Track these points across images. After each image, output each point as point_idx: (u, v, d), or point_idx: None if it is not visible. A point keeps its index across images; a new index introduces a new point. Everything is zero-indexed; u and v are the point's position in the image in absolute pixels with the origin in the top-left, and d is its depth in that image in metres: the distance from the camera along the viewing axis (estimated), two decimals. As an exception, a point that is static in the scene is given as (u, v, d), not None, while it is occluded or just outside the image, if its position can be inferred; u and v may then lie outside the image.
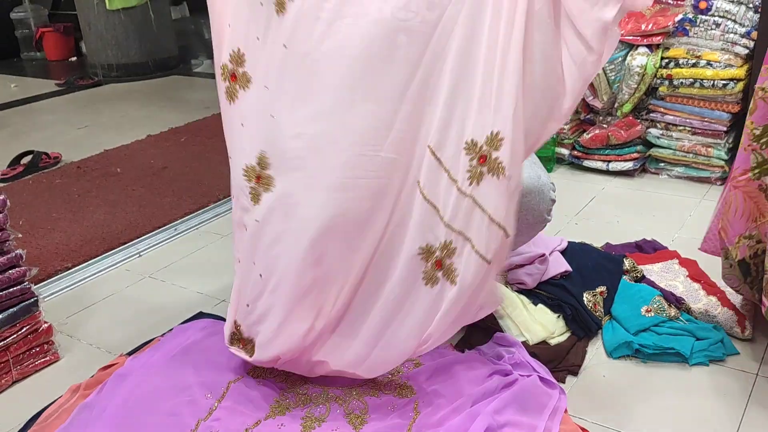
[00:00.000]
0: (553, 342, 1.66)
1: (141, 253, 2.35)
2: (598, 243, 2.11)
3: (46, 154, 3.23)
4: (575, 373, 1.59)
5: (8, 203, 1.66)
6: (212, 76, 4.86)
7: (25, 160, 3.18)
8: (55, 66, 5.65)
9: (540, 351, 1.62)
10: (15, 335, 1.69)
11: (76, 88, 4.80)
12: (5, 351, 1.68)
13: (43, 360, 1.76)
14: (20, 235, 1.71)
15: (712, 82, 2.53)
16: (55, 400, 1.59)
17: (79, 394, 1.59)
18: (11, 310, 1.68)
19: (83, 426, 1.46)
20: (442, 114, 1.29)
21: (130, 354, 1.73)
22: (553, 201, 1.63)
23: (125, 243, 2.37)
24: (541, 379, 1.49)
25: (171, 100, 4.41)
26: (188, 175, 2.97)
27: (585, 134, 2.79)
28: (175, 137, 3.54)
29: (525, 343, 1.64)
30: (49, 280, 2.13)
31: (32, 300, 1.72)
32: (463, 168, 1.29)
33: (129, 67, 4.90)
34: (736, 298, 1.77)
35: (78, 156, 3.28)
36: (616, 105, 2.76)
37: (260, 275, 1.41)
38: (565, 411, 1.44)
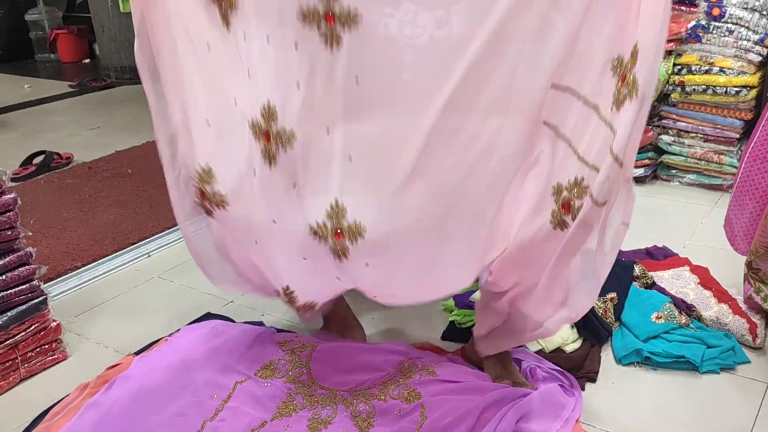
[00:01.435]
0: (567, 349, 1.64)
1: (150, 254, 2.35)
2: (608, 249, 2.09)
3: (58, 154, 3.24)
4: (593, 380, 1.57)
5: (19, 201, 1.66)
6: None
7: (37, 160, 3.20)
8: (68, 67, 5.68)
9: (560, 359, 1.60)
10: (23, 333, 1.69)
11: (89, 89, 4.83)
12: (14, 349, 1.68)
13: (51, 358, 1.76)
14: (30, 234, 1.72)
15: (724, 89, 2.52)
16: (62, 399, 1.59)
17: (86, 393, 1.59)
18: (20, 308, 1.68)
19: (90, 424, 1.46)
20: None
21: (137, 353, 1.73)
22: None
23: (135, 243, 2.38)
24: (561, 386, 1.48)
25: (182, 102, 4.42)
26: (198, 176, 2.98)
27: (596, 140, 2.78)
28: (186, 139, 3.55)
29: (541, 351, 1.63)
30: (58, 279, 2.14)
31: (41, 298, 1.73)
32: (608, 90, 1.11)
33: (141, 69, 4.92)
34: (746, 308, 1.75)
35: (89, 156, 3.30)
36: (627, 111, 2.74)
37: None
38: (577, 419, 1.43)
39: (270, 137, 1.18)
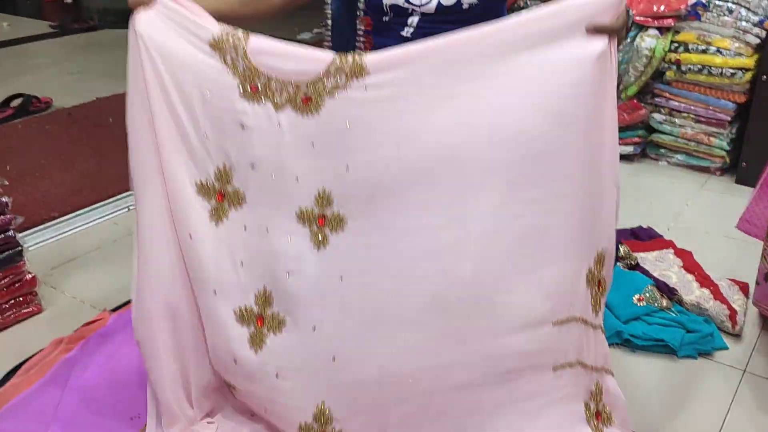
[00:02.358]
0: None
1: (130, 207, 2.31)
2: (594, 227, 2.09)
3: (37, 98, 3.15)
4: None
5: (-5, 149, 1.61)
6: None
7: (15, 103, 3.11)
8: (49, 6, 5.49)
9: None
10: (-2, 284, 1.66)
11: (71, 31, 4.69)
12: (-13, 300, 1.65)
13: (25, 311, 1.73)
14: (6, 183, 1.67)
15: (720, 70, 2.49)
16: (36, 353, 1.56)
17: (61, 348, 1.57)
18: (-6, 258, 1.64)
19: (64, 380, 1.44)
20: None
21: (114, 311, 1.70)
22: None
23: (114, 195, 2.33)
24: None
25: (167, 50, 4.31)
26: (182, 129, 2.91)
27: (587, 115, 2.75)
28: (170, 89, 3.47)
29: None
30: (34, 230, 2.09)
31: (16, 249, 1.69)
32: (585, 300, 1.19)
33: (125, 13, 4.74)
34: (729, 293, 1.76)
35: (69, 102, 3.21)
36: (621, 87, 2.72)
37: None
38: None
39: (264, 321, 1.23)
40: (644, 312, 1.68)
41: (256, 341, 1.22)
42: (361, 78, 1.10)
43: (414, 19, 1.39)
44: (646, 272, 1.83)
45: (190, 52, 1.17)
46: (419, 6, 1.38)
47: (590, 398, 1.24)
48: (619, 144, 2.74)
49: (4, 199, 1.65)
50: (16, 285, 1.70)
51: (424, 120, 1.10)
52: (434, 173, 1.11)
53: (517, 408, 1.20)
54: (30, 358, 1.56)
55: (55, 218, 2.17)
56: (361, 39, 1.49)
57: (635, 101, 2.69)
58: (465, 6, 1.38)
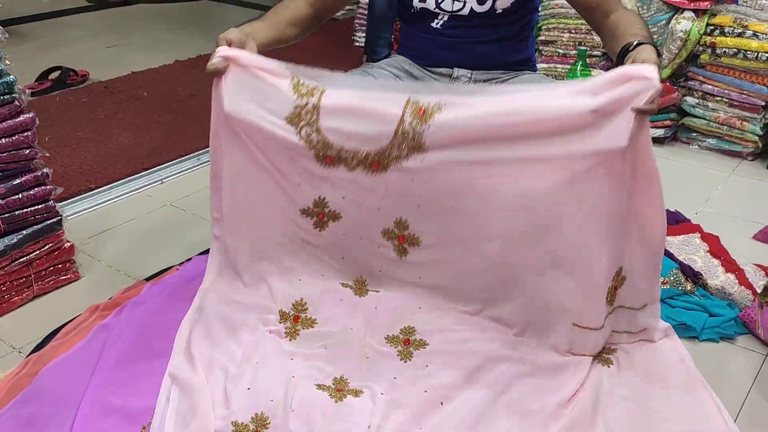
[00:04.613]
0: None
1: (163, 180, 2.37)
2: (620, 210, 2.09)
3: (74, 71, 3.22)
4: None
5: (37, 121, 1.66)
6: (244, 3, 4.79)
7: (53, 75, 3.18)
8: (86, -20, 5.57)
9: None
10: (38, 251, 1.72)
11: (107, 5, 4.75)
12: (27, 266, 1.71)
13: (63, 278, 1.80)
14: (47, 154, 1.73)
15: (756, 54, 2.45)
16: (73, 318, 1.63)
17: (97, 315, 1.63)
18: (35, 227, 1.70)
19: (100, 346, 1.50)
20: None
21: (148, 279, 1.76)
22: None
23: (148, 169, 2.38)
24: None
25: (202, 26, 4.36)
26: (214, 104, 2.96)
27: (618, 97, 2.73)
28: (203, 65, 3.48)
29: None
30: (72, 200, 2.16)
31: (56, 219, 1.75)
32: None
33: (161, -13, 4.83)
34: (755, 278, 1.76)
35: (105, 75, 3.27)
36: (654, 69, 2.69)
37: None
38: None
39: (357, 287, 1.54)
40: (667, 295, 1.69)
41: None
42: (420, 153, 1.31)
43: (444, 16, 1.48)
44: (671, 256, 1.83)
45: (269, 127, 1.37)
46: (450, 12, 1.45)
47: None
48: (650, 126, 2.74)
49: (45, 170, 1.70)
50: (56, 253, 1.76)
51: (470, 183, 1.33)
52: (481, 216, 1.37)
53: None
54: (68, 322, 1.62)
55: (91, 189, 2.23)
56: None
57: (668, 84, 2.67)
58: (498, 11, 1.44)
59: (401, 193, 1.37)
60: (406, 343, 1.44)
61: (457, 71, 1.60)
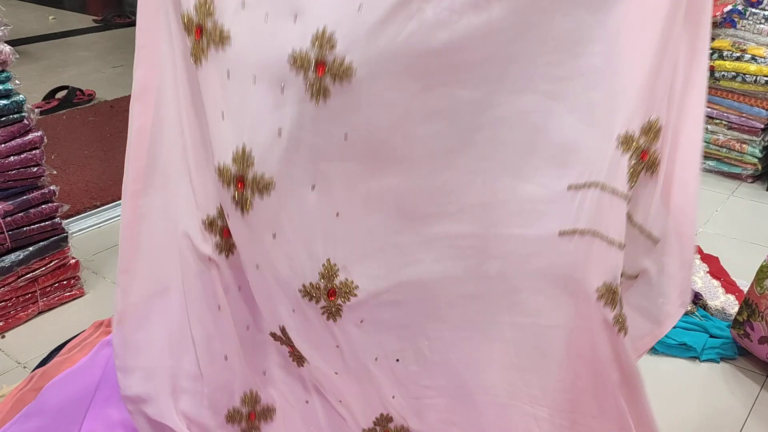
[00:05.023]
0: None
1: (168, 198, 2.39)
2: (621, 230, 2.11)
3: (81, 90, 3.26)
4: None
5: (45, 140, 1.69)
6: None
7: (60, 94, 3.22)
8: (93, 1, 5.64)
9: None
10: (44, 268, 1.74)
11: (113, 25, 4.81)
12: (33, 282, 1.73)
13: (68, 294, 1.81)
14: (55, 172, 1.75)
15: (755, 77, 2.48)
16: (78, 334, 1.64)
17: (101, 330, 1.64)
18: (42, 243, 1.73)
19: (105, 361, 1.51)
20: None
21: (152, 296, 1.77)
22: None
23: (153, 187, 2.40)
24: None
25: (206, 46, 4.40)
26: (219, 124, 2.99)
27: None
28: (207, 85, 3.55)
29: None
30: (77, 217, 2.18)
31: (62, 236, 1.77)
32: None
33: (166, 9, 4.88)
34: (754, 299, 1.77)
35: (111, 95, 3.31)
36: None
37: None
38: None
39: (244, 183, 1.03)
40: (668, 315, 1.70)
41: (241, 202, 1.05)
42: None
43: None
44: (671, 276, 1.84)
45: None
46: None
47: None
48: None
49: (52, 188, 1.73)
50: (61, 269, 1.78)
51: None
52: None
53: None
54: (73, 338, 1.63)
55: (96, 207, 2.26)
56: None
57: (667, 106, 2.70)
58: None
59: None
60: None
61: None
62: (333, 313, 1.11)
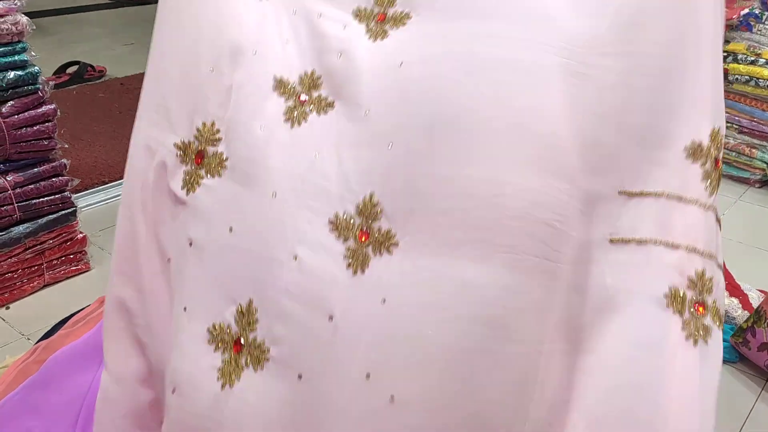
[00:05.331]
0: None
1: (176, 178, 2.39)
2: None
3: (92, 66, 3.26)
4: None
5: (58, 113, 1.69)
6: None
7: (71, 69, 3.21)
8: (106, -23, 5.64)
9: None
10: (51, 241, 1.75)
11: (125, 3, 4.80)
12: (40, 255, 1.74)
13: (74, 268, 1.82)
14: (66, 146, 1.75)
15: (768, 82, 2.48)
16: (83, 308, 1.65)
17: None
18: (50, 216, 1.73)
19: (108, 336, 1.52)
20: None
21: (158, 274, 1.78)
22: None
23: (162, 165, 2.41)
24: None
25: (218, 27, 4.39)
26: (228, 106, 2.99)
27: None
28: (218, 66, 3.55)
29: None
30: (85, 192, 2.18)
31: (71, 210, 1.77)
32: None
33: (179, -12, 4.87)
34: (758, 303, 1.77)
35: (122, 72, 3.31)
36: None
37: None
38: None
39: (309, 100, 0.94)
40: (671, 316, 1.70)
41: (295, 117, 0.93)
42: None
43: None
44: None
45: None
46: None
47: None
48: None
49: (63, 161, 1.73)
50: (68, 243, 1.79)
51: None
52: None
53: None
54: (77, 312, 1.64)
55: (104, 183, 2.26)
56: None
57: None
58: None
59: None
60: None
61: None
62: None
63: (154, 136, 0.99)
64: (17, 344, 1.58)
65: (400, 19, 0.92)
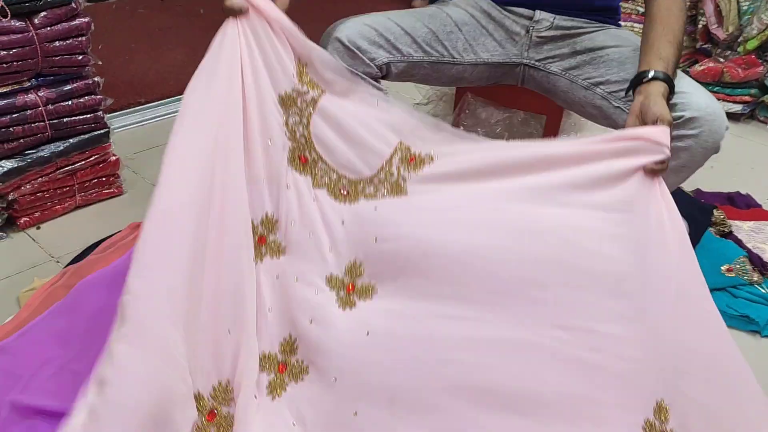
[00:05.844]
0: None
1: (214, 102, 2.30)
2: (688, 187, 1.97)
3: (133, -21, 3.13)
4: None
5: (93, 27, 1.60)
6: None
7: (111, -18, 3.10)
8: None
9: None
10: (83, 162, 1.68)
11: None
12: (72, 176, 1.68)
13: (106, 191, 1.76)
14: (100, 62, 1.67)
15: None
16: (113, 234, 1.60)
17: (137, 233, 1.59)
18: (82, 136, 1.66)
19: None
20: None
21: (191, 203, 1.71)
22: (727, 127, 1.33)
23: (199, 89, 2.31)
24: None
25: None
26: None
27: (697, 65, 2.56)
28: (262, -14, 3.40)
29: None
30: (120, 113, 2.11)
31: (104, 130, 1.70)
32: None
33: None
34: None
35: (163, -13, 3.18)
36: (740, 39, 2.51)
37: None
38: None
39: (287, 367, 1.14)
40: (731, 284, 1.59)
41: (275, 388, 1.13)
42: (401, 196, 1.17)
43: None
44: (739, 242, 1.72)
45: (266, 96, 1.17)
46: None
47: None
48: (728, 101, 2.56)
49: (96, 79, 1.65)
50: (101, 165, 1.72)
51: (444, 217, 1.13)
52: (465, 268, 1.10)
53: None
54: (107, 237, 1.59)
55: (141, 104, 2.18)
56: None
57: (753, 57, 2.49)
58: None
59: (360, 225, 1.17)
60: None
61: (539, 14, 1.47)
62: None
63: None
64: (46, 266, 1.54)
65: (368, 292, 1.15)
